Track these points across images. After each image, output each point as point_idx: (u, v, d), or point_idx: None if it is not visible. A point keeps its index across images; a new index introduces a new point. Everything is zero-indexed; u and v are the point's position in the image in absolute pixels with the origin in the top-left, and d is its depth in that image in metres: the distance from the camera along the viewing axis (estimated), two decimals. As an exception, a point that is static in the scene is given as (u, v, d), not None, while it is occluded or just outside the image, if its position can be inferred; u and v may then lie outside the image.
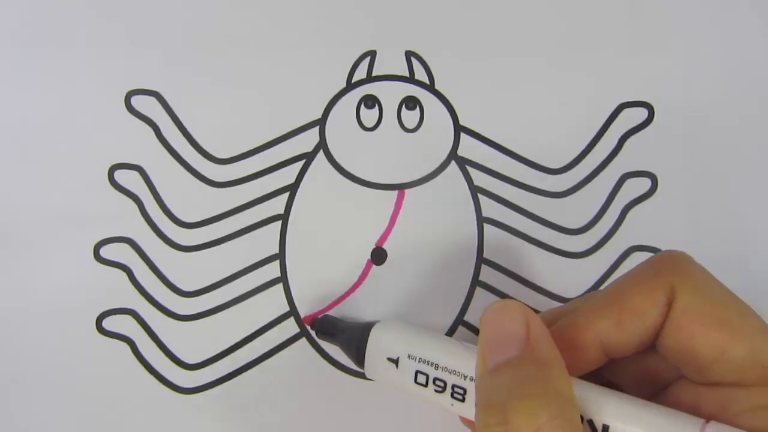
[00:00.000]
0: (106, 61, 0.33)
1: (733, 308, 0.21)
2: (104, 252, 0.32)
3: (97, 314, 0.32)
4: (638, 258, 0.31)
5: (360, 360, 0.27)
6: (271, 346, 0.32)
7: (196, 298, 0.32)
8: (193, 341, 0.32)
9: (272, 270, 0.32)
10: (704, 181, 0.31)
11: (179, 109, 0.33)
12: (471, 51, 0.32)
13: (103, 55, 0.33)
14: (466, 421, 0.27)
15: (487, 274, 0.31)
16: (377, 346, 0.26)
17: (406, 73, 0.32)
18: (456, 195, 0.32)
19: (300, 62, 0.33)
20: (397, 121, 0.32)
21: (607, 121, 0.32)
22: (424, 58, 0.32)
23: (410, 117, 0.32)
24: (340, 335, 0.29)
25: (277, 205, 0.32)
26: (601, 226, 0.32)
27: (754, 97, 0.32)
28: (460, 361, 0.24)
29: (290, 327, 0.32)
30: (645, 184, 0.31)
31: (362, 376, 0.31)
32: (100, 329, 0.32)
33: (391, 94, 0.32)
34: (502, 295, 0.31)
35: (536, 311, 0.22)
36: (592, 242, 0.32)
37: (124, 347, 0.32)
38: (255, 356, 0.32)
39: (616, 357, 0.23)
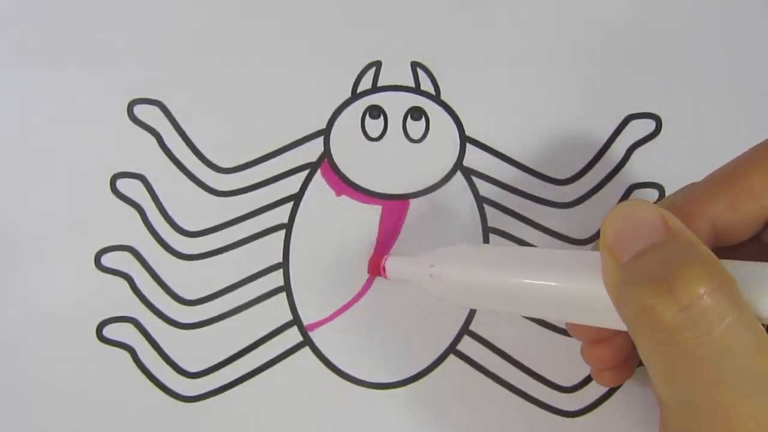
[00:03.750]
0: (109, 70, 0.33)
1: None
2: (106, 260, 0.32)
3: (98, 322, 0.32)
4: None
5: None
6: (274, 355, 0.31)
7: (198, 306, 0.32)
8: (194, 350, 0.32)
9: (276, 279, 0.32)
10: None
11: (182, 118, 0.33)
12: (477, 62, 0.32)
13: (106, 64, 0.33)
14: (575, 329, 0.27)
15: (492, 285, 0.31)
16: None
17: (412, 84, 0.32)
18: (461, 205, 0.32)
19: (305, 72, 0.33)
20: (402, 131, 0.32)
21: (614, 132, 0.32)
22: (430, 68, 0.32)
23: (415, 127, 0.32)
24: None
25: (281, 214, 0.32)
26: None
27: (762, 109, 0.32)
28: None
29: (293, 336, 0.32)
30: (652, 195, 0.31)
31: (366, 384, 0.31)
32: (101, 337, 0.32)
33: (396, 104, 0.32)
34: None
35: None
36: (597, 253, 0.32)
37: (125, 355, 0.32)
38: (257, 365, 0.31)
39: (724, 244, 0.22)
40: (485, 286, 0.25)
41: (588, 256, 0.23)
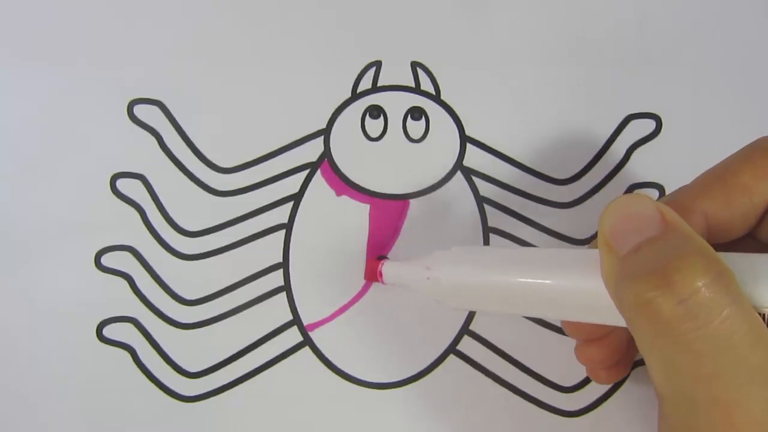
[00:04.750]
0: (110, 70, 0.33)
1: None
2: (106, 260, 0.32)
3: (98, 322, 0.32)
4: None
5: None
6: (274, 355, 0.31)
7: (198, 306, 0.32)
8: (194, 349, 0.32)
9: (276, 279, 0.32)
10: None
11: (182, 118, 0.33)
12: (477, 62, 0.32)
13: (106, 64, 0.33)
14: (570, 327, 0.27)
15: (492, 285, 0.31)
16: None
17: (412, 84, 0.32)
18: (462, 205, 0.32)
19: (305, 72, 0.33)
20: (402, 131, 0.32)
21: (614, 132, 0.32)
22: (430, 68, 0.32)
23: (416, 127, 0.32)
24: None
25: (281, 214, 0.32)
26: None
27: (762, 109, 0.32)
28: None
29: (293, 336, 0.32)
30: (652, 195, 0.31)
31: (366, 384, 0.31)
32: (101, 337, 0.32)
33: (396, 104, 0.32)
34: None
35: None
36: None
37: (125, 355, 0.32)
38: (257, 365, 0.31)
39: (717, 241, 0.23)
40: (483, 288, 0.25)
41: (585, 253, 0.23)
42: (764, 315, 0.19)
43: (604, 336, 0.27)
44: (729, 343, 0.18)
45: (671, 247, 0.19)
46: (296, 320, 0.32)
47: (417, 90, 0.32)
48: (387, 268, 0.30)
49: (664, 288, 0.18)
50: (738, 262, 0.20)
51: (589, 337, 0.27)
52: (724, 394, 0.18)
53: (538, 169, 0.32)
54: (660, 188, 0.32)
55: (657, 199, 0.31)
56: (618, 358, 0.27)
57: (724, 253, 0.20)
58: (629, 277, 0.20)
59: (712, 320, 0.18)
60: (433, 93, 0.32)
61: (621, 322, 0.21)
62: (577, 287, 0.23)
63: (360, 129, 0.32)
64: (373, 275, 0.30)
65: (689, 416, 0.19)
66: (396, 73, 0.33)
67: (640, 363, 0.30)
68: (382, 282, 0.30)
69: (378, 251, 0.32)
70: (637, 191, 0.32)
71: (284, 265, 0.32)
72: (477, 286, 0.25)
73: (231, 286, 0.32)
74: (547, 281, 0.23)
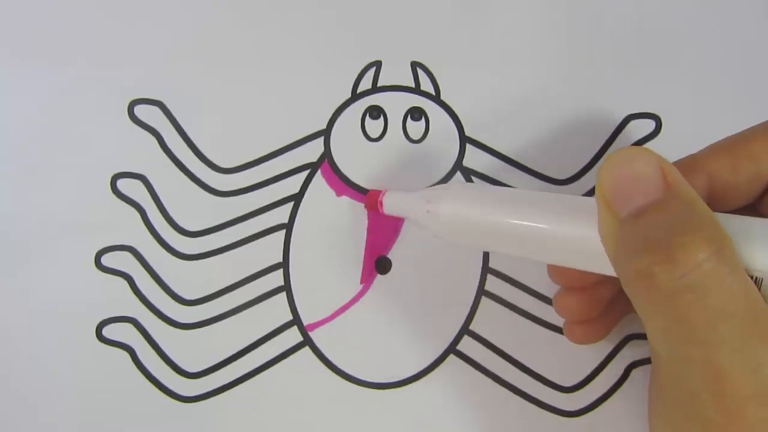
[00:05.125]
0: (110, 70, 0.33)
1: None
2: (106, 260, 0.32)
3: (98, 322, 0.32)
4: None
5: None
6: (274, 355, 0.31)
7: (198, 306, 0.32)
8: (194, 350, 0.32)
9: (276, 279, 0.32)
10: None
11: (182, 119, 0.33)
12: (477, 62, 0.32)
13: (107, 64, 0.33)
14: (555, 273, 0.28)
15: (493, 284, 0.31)
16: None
17: (412, 84, 0.32)
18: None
19: (305, 72, 0.33)
20: (402, 131, 0.32)
21: (614, 132, 0.32)
22: (430, 68, 0.32)
23: (416, 128, 0.32)
24: None
25: (281, 214, 0.32)
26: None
27: (762, 109, 0.32)
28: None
29: (293, 336, 0.32)
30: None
31: (366, 384, 0.31)
32: (101, 337, 0.32)
33: (396, 104, 0.32)
34: (508, 305, 0.31)
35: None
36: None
37: (125, 355, 0.32)
38: (257, 365, 0.31)
39: (718, 209, 0.22)
40: (479, 225, 0.25)
41: (583, 201, 0.23)
42: (754, 278, 0.20)
43: (587, 286, 0.27)
44: (726, 313, 0.19)
45: (673, 217, 0.19)
46: (296, 320, 0.32)
47: (417, 90, 0.32)
48: (388, 197, 0.30)
49: (666, 264, 0.19)
50: (735, 224, 0.20)
51: (573, 284, 0.27)
52: (717, 358, 0.19)
53: (538, 169, 0.32)
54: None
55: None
56: (596, 313, 0.27)
57: (722, 214, 0.21)
58: (630, 249, 0.20)
59: (711, 292, 0.18)
60: (433, 93, 0.32)
61: (611, 271, 0.21)
62: (571, 233, 0.23)
63: (360, 129, 0.32)
64: (373, 204, 0.30)
65: (682, 373, 0.20)
66: (396, 73, 0.33)
67: (637, 363, 0.30)
68: (383, 211, 0.30)
69: (377, 251, 0.32)
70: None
71: (284, 265, 0.32)
72: (474, 223, 0.25)
73: (231, 286, 0.32)
74: (542, 224, 0.23)
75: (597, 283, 0.27)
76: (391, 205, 0.30)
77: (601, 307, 0.27)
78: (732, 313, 0.19)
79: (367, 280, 0.31)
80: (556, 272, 0.28)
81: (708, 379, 0.19)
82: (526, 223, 0.24)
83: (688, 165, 0.23)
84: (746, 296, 0.19)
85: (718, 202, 0.23)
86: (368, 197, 0.31)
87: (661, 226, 0.19)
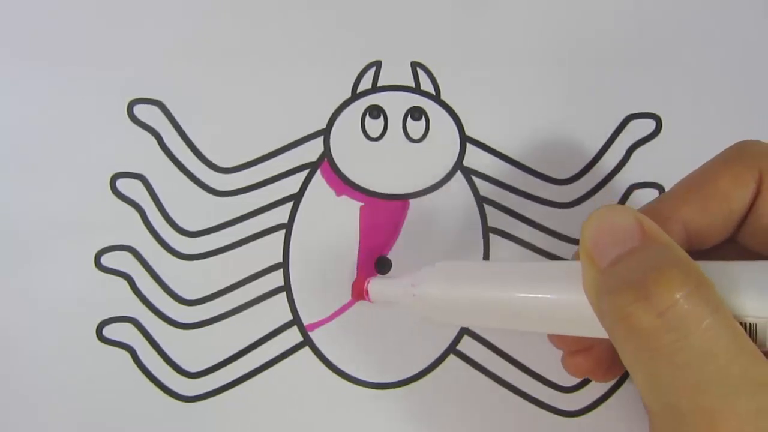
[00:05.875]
0: (109, 70, 0.33)
1: None
2: (105, 260, 0.32)
3: (98, 322, 0.32)
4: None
5: None
6: (274, 355, 0.31)
7: (198, 306, 0.32)
8: (194, 350, 0.32)
9: (276, 279, 0.32)
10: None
11: (182, 118, 0.33)
12: (477, 62, 0.32)
13: (106, 64, 0.33)
14: (556, 339, 0.27)
15: (492, 285, 0.31)
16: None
17: (412, 84, 0.32)
18: (461, 205, 0.32)
19: (305, 72, 0.33)
20: (402, 131, 0.32)
21: (614, 132, 0.32)
22: (430, 68, 0.32)
23: (416, 127, 0.32)
24: None
25: (281, 214, 0.32)
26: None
27: (762, 109, 0.32)
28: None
29: (293, 336, 0.32)
30: (652, 195, 0.31)
31: (366, 384, 0.31)
32: (101, 337, 0.32)
33: (396, 104, 0.32)
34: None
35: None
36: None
37: (125, 355, 0.32)
38: (257, 365, 0.31)
39: (698, 248, 0.23)
40: (468, 303, 0.25)
41: (568, 266, 0.23)
42: (746, 324, 0.19)
43: (589, 347, 0.27)
44: (711, 354, 0.18)
45: (649, 258, 0.19)
46: (296, 320, 0.32)
47: (417, 90, 0.32)
48: (373, 285, 0.30)
49: (643, 302, 0.18)
50: (717, 270, 0.20)
51: (576, 348, 0.27)
52: (709, 404, 0.18)
53: (538, 169, 0.32)
54: (660, 188, 0.32)
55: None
56: (607, 366, 0.27)
57: (703, 262, 0.20)
58: (609, 291, 0.20)
59: (693, 332, 0.18)
60: (433, 93, 0.32)
61: (605, 334, 0.21)
62: (561, 301, 0.23)
63: (360, 129, 0.32)
64: (359, 293, 0.30)
65: (676, 427, 0.19)
66: (396, 73, 0.33)
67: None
68: (369, 300, 0.30)
69: (370, 251, 0.32)
70: (635, 197, 0.32)
71: (284, 265, 0.32)
72: (462, 302, 0.25)
73: (231, 286, 0.32)
74: (531, 295, 0.23)
75: (598, 342, 0.27)
76: (377, 292, 0.29)
77: (608, 361, 0.27)
78: (716, 355, 0.18)
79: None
80: (556, 339, 0.28)
81: (702, 430, 0.18)
82: (515, 295, 0.23)
83: (660, 214, 0.23)
84: (734, 338, 0.18)
85: (696, 244, 0.23)
86: (354, 288, 0.31)
87: (638, 268, 0.19)
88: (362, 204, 0.32)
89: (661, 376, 0.19)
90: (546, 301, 0.23)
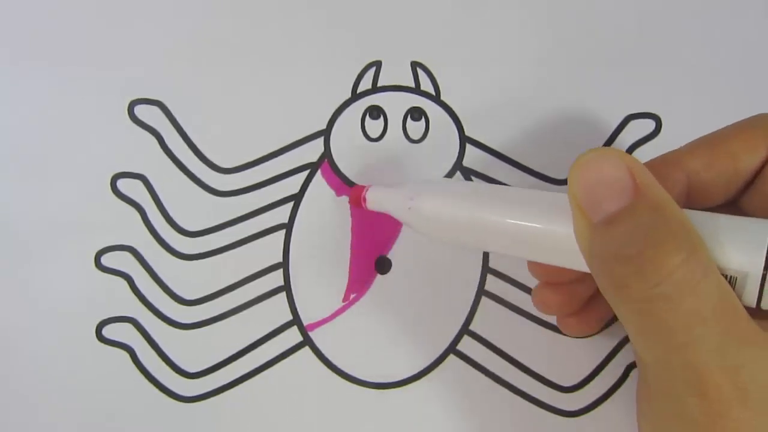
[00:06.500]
0: (110, 70, 0.33)
1: None
2: (105, 260, 0.32)
3: (98, 322, 0.32)
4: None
5: None
6: (274, 355, 0.31)
7: (198, 306, 0.32)
8: (194, 350, 0.32)
9: (276, 279, 0.32)
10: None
11: (182, 119, 0.33)
12: (477, 62, 0.32)
13: (107, 64, 0.33)
14: (535, 265, 0.28)
15: (493, 284, 0.31)
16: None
17: (412, 84, 0.32)
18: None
19: (305, 72, 0.33)
20: (402, 131, 0.32)
21: (614, 132, 0.32)
22: (430, 68, 0.32)
23: (415, 128, 0.32)
24: None
25: (281, 214, 0.32)
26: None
27: (762, 110, 0.31)
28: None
29: (293, 336, 0.32)
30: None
31: (366, 384, 0.31)
32: (100, 337, 0.32)
33: (396, 104, 0.32)
34: (508, 305, 0.31)
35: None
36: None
37: (124, 355, 0.32)
38: (257, 365, 0.31)
39: (696, 206, 0.23)
40: (459, 222, 0.25)
41: (563, 198, 0.23)
42: (728, 277, 0.20)
43: (565, 282, 0.27)
44: (700, 316, 0.19)
45: (644, 225, 0.20)
46: (296, 320, 0.32)
47: (417, 90, 0.32)
48: (371, 193, 0.29)
49: (638, 275, 0.19)
50: (705, 222, 0.21)
51: (552, 279, 0.27)
52: (697, 360, 0.19)
53: (538, 169, 0.32)
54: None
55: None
56: (574, 308, 0.27)
57: (693, 211, 0.21)
58: (603, 258, 0.20)
59: (685, 298, 0.19)
60: (433, 93, 0.32)
61: (587, 268, 0.22)
62: (552, 231, 0.23)
63: (360, 129, 0.32)
64: (357, 200, 0.30)
65: (665, 376, 0.20)
66: (396, 73, 0.32)
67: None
68: (366, 207, 0.30)
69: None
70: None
71: (284, 265, 0.32)
72: (455, 220, 0.25)
73: (231, 286, 0.32)
74: (521, 222, 0.24)
75: (575, 280, 0.27)
76: (374, 200, 0.29)
77: (579, 303, 0.27)
78: (707, 316, 0.19)
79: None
80: (535, 267, 0.28)
81: (690, 382, 0.20)
82: (508, 220, 0.24)
83: (666, 161, 0.24)
84: (720, 298, 0.19)
85: (696, 199, 0.23)
86: (352, 192, 0.30)
87: (632, 236, 0.19)
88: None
89: (654, 335, 0.20)
90: (538, 229, 0.23)
